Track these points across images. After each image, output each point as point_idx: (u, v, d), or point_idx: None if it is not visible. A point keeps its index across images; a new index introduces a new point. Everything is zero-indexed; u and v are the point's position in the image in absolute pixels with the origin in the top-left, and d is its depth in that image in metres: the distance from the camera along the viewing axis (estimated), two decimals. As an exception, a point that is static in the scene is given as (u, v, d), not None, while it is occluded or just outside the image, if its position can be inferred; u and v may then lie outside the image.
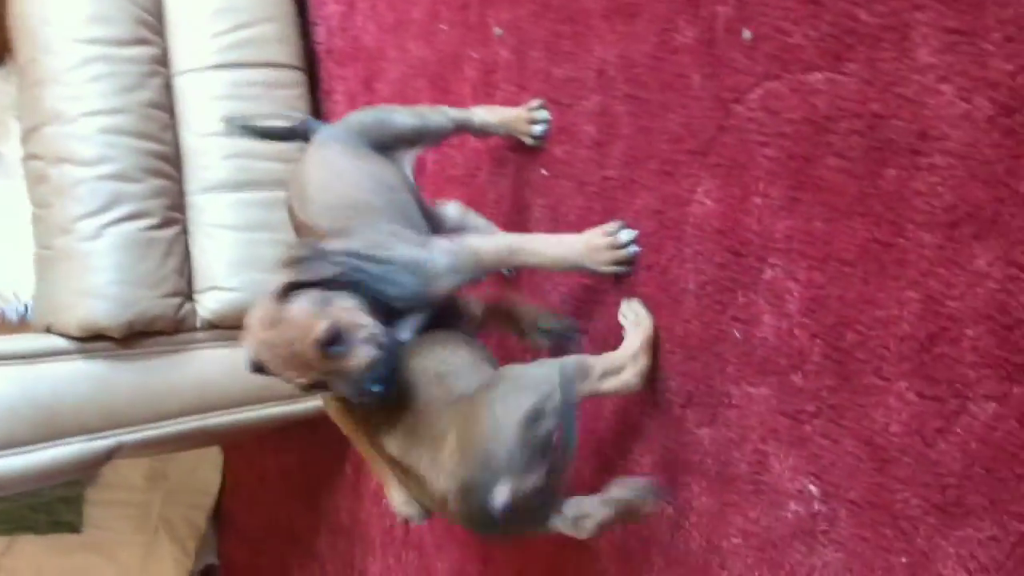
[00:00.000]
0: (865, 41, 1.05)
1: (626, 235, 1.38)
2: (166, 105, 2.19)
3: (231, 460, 3.01)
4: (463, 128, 1.56)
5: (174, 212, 2.14)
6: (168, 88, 2.20)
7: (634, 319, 1.38)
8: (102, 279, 2.02)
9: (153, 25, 2.18)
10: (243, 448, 2.91)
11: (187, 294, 2.14)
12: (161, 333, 2.09)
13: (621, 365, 1.30)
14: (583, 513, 1.23)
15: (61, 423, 1.98)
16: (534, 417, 1.18)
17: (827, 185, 1.11)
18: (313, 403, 2.25)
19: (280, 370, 1.24)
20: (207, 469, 2.95)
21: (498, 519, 1.15)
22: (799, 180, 1.15)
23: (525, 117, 1.58)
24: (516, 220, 1.66)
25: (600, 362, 1.28)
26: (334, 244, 1.28)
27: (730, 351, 1.25)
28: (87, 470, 2.07)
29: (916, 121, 1.01)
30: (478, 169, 1.77)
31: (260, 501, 2.83)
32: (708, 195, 1.28)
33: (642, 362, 1.31)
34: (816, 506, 1.15)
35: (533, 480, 1.17)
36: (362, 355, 1.19)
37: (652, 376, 1.34)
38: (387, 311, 1.25)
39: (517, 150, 1.64)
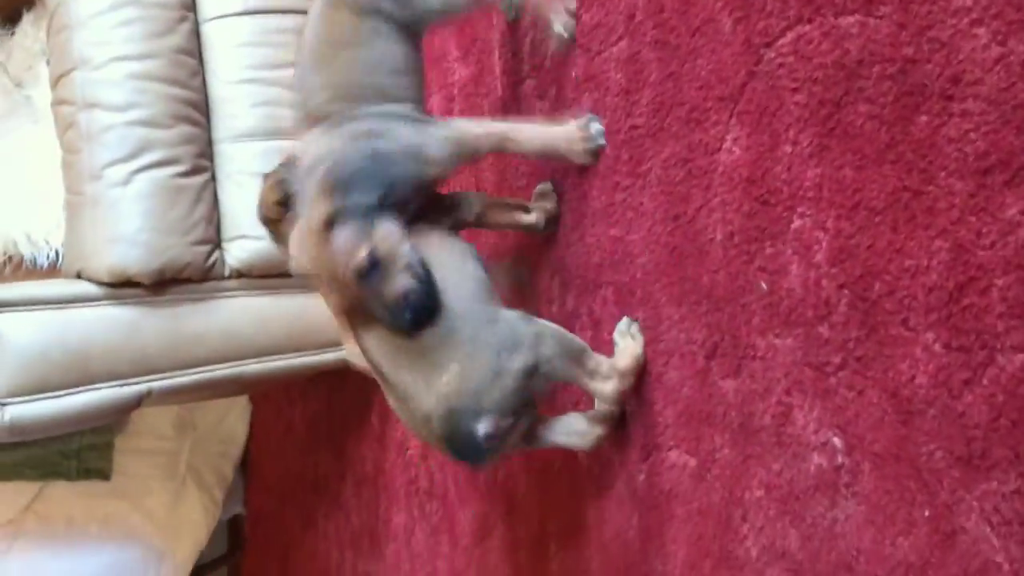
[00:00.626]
0: (899, -18, 1.04)
1: (596, 127, 1.49)
2: (194, 51, 2.20)
3: (258, 409, 3.06)
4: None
5: (203, 159, 2.16)
6: (196, 34, 2.21)
7: (627, 341, 1.44)
8: (131, 226, 2.06)
9: (181, -30, 2.19)
10: (270, 397, 2.96)
11: (216, 242, 2.17)
12: (190, 280, 2.12)
13: (610, 375, 1.40)
14: (579, 431, 1.44)
15: (91, 368, 2.03)
16: (531, 372, 1.32)
17: (857, 132, 1.10)
18: (340, 354, 2.28)
19: (323, 290, 1.38)
20: (235, 418, 3.01)
21: (479, 445, 1.30)
22: (829, 127, 1.14)
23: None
24: (541, 166, 1.66)
25: (595, 356, 1.39)
26: (329, 151, 1.35)
27: (756, 302, 1.26)
28: (117, 416, 2.12)
29: (949, 65, 1.00)
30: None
31: (286, 451, 2.89)
32: (737, 143, 1.27)
33: (628, 382, 1.41)
34: (840, 459, 1.16)
35: (516, 419, 1.33)
36: (399, 285, 1.28)
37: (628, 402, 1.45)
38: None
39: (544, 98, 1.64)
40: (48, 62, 2.28)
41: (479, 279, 1.41)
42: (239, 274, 2.19)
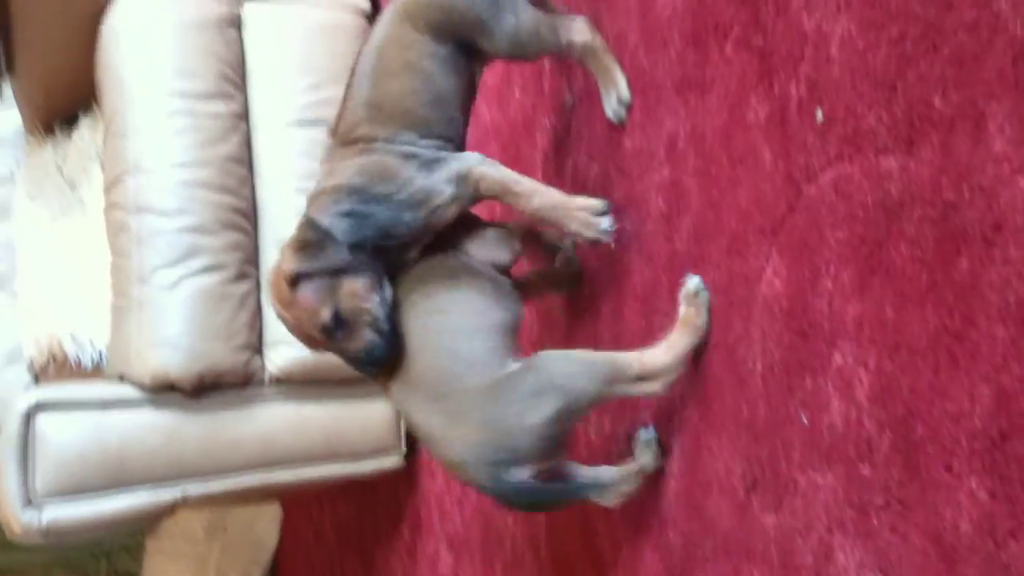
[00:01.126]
0: (939, 128, 1.07)
1: (606, 221, 1.47)
2: (245, 160, 2.28)
3: (289, 515, 3.06)
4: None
5: (248, 266, 2.22)
6: (248, 143, 2.29)
7: (690, 312, 1.39)
8: (175, 330, 2.10)
9: (235, 81, 2.28)
10: (301, 503, 2.97)
11: (257, 348, 2.21)
12: (230, 386, 2.16)
13: (657, 373, 1.37)
14: (606, 484, 1.43)
15: (129, 471, 2.06)
16: (563, 416, 1.32)
17: (898, 272, 1.12)
18: (375, 464, 2.29)
19: (294, 337, 1.45)
20: (266, 523, 3.01)
21: (523, 493, 1.32)
22: (870, 265, 1.15)
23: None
24: (583, 294, 1.68)
25: (636, 363, 1.36)
26: (334, 187, 1.42)
27: (797, 436, 1.26)
28: (151, 519, 2.14)
29: (990, 212, 1.02)
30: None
31: (315, 558, 2.88)
32: (777, 275, 1.29)
33: (677, 373, 1.38)
34: (882, 602, 1.14)
35: (549, 463, 1.33)
36: (362, 340, 1.37)
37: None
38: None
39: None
40: (102, 166, 2.37)
41: (499, 324, 1.42)
42: (278, 380, 2.23)
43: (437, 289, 1.43)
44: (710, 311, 1.40)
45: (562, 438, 1.35)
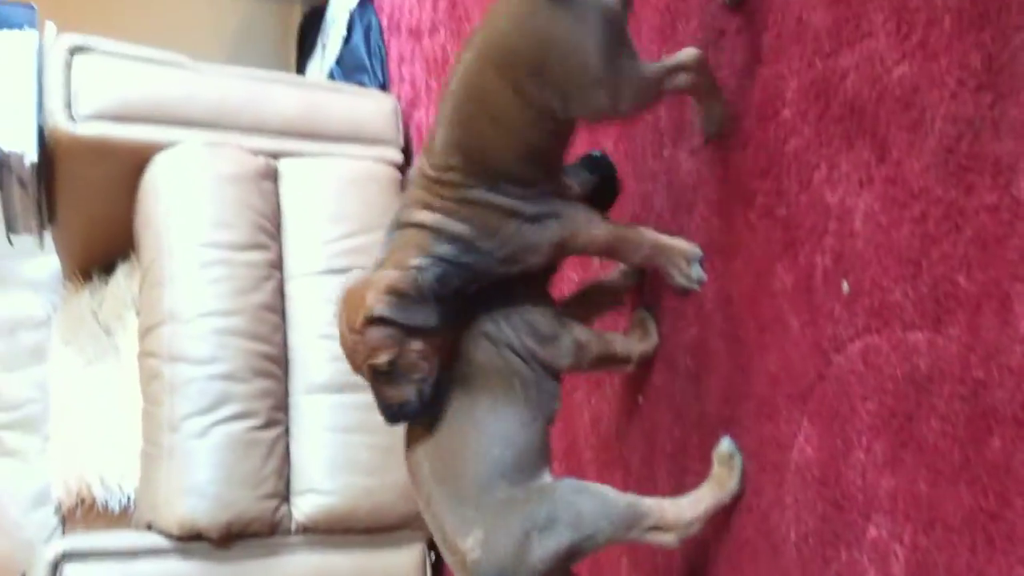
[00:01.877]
0: (965, 306, 1.08)
1: (698, 270, 1.48)
2: (277, 307, 2.33)
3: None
4: None
5: (278, 412, 2.24)
6: (280, 291, 2.34)
7: (723, 472, 1.39)
8: (203, 477, 2.12)
9: (270, 231, 2.34)
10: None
11: (284, 495, 2.21)
12: (257, 535, 2.15)
13: (677, 526, 1.35)
14: None
15: (154, 621, 2.04)
16: (568, 554, 1.31)
17: (931, 447, 1.12)
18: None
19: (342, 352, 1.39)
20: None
21: None
22: (902, 438, 1.16)
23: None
24: (613, 446, 1.69)
25: (655, 513, 1.35)
26: (435, 227, 1.37)
27: (833, 608, 1.24)
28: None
29: (1020, 392, 1.03)
30: (574, 389, 1.82)
31: None
32: (809, 442, 1.29)
33: (695, 529, 1.36)
34: None
35: None
36: (402, 394, 1.35)
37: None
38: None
39: (615, 375, 1.69)
40: (137, 312, 2.42)
41: (531, 441, 1.40)
42: (305, 529, 2.22)
43: (482, 387, 1.41)
44: (743, 475, 1.40)
45: (563, 572, 1.33)
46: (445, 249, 1.37)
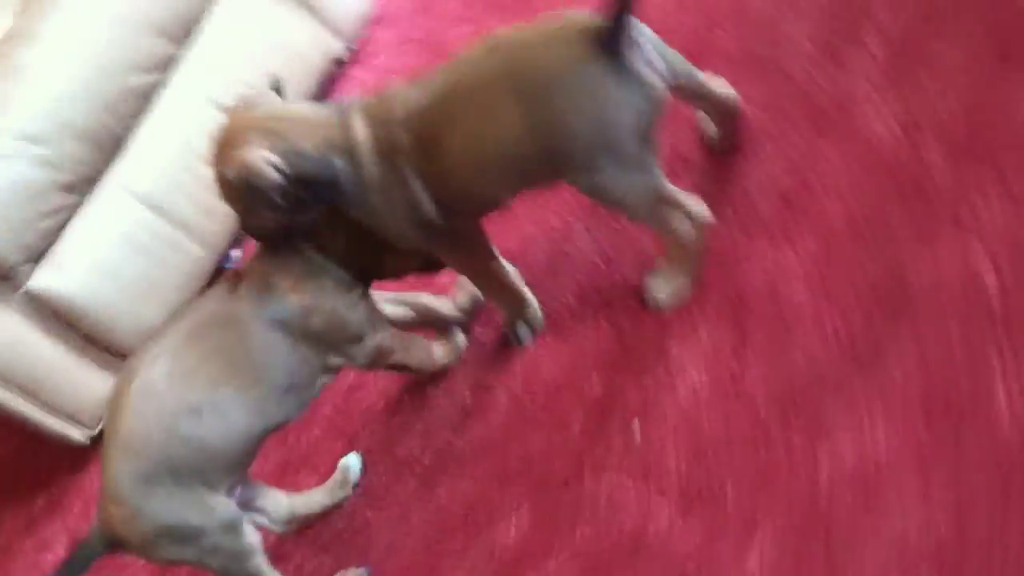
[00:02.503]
0: (716, 515, 1.21)
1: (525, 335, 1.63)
2: (145, 100, 2.24)
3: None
4: None
5: (85, 185, 2.17)
6: (158, 88, 2.27)
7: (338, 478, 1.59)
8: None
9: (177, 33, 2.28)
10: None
11: (37, 257, 2.12)
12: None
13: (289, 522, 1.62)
14: None
15: None
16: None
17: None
18: (61, 427, 2.22)
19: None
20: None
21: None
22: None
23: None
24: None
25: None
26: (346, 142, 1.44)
27: None
28: None
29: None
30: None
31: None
32: (519, 526, 1.40)
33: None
34: None
35: None
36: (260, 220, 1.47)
37: None
38: None
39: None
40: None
41: (231, 452, 1.48)
42: (33, 297, 2.14)
43: (242, 373, 1.48)
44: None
45: None
46: (343, 167, 1.43)
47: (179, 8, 2.28)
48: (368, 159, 1.43)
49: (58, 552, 2.19)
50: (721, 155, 1.55)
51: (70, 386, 2.22)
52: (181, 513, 1.44)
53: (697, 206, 1.41)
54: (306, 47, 2.50)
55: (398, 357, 1.62)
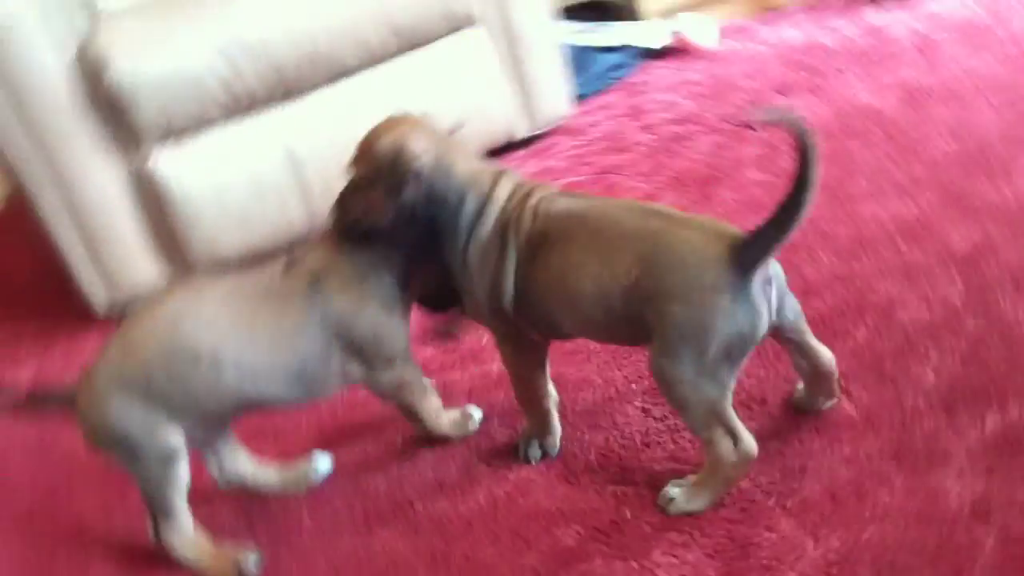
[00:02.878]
0: None
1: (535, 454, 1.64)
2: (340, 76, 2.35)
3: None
4: None
5: (247, 110, 2.25)
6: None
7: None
8: None
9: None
10: None
11: (169, 141, 2.20)
12: None
13: None
14: None
15: None
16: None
17: None
18: None
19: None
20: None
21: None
22: None
23: None
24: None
25: None
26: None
27: None
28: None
29: None
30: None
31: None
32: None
33: None
34: None
35: None
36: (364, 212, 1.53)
37: None
38: None
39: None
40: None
41: (223, 404, 1.53)
42: (144, 169, 2.22)
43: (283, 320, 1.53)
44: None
45: None
46: (470, 209, 1.49)
47: (421, 22, 2.41)
48: (491, 219, 1.50)
49: (18, 376, 2.24)
50: (796, 416, 1.57)
51: (123, 259, 2.29)
52: (131, 427, 1.49)
53: (749, 440, 1.42)
54: (497, 112, 2.60)
55: (415, 399, 1.64)
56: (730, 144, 2.51)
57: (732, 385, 1.39)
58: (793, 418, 1.57)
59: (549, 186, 1.55)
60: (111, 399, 1.48)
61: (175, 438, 1.51)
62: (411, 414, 1.67)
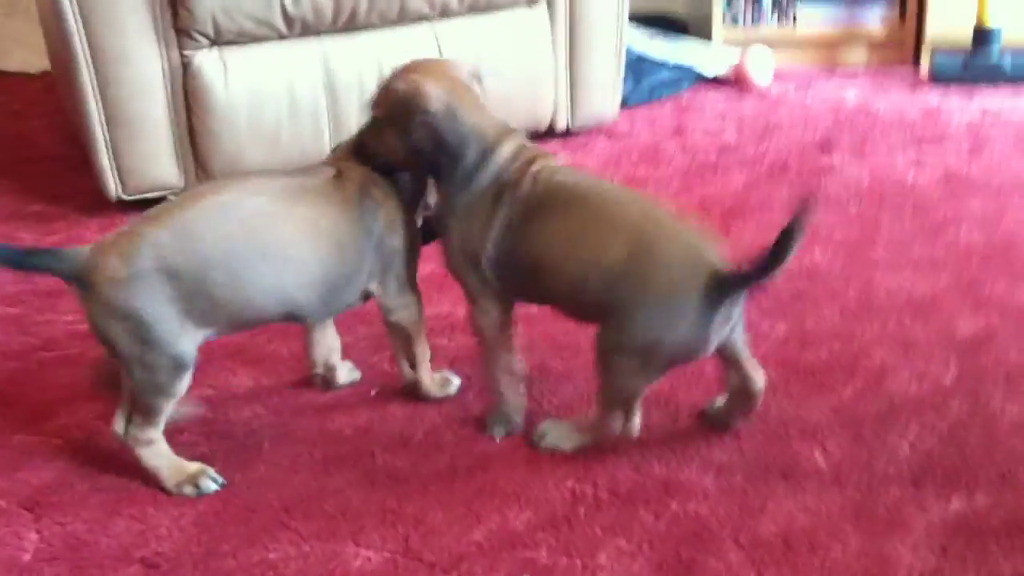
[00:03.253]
0: None
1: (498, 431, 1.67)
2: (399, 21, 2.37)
3: None
4: None
5: (300, 30, 2.27)
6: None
7: None
8: None
9: None
10: None
11: (217, 43, 2.21)
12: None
13: None
14: None
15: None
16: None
17: None
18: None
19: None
20: None
21: None
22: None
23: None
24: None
25: None
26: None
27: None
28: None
29: None
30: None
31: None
32: None
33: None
34: None
35: None
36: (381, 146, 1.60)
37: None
38: None
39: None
40: None
41: (254, 301, 1.50)
42: (186, 64, 2.22)
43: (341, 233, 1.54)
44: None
45: None
46: (470, 159, 1.54)
47: None
48: (489, 174, 1.55)
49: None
50: (766, 457, 1.58)
51: (144, 154, 2.31)
52: (157, 319, 1.42)
53: (636, 424, 1.56)
54: (543, 97, 2.63)
55: (414, 331, 1.67)
56: (763, 184, 2.53)
57: (654, 382, 1.54)
58: (762, 459, 1.58)
59: (553, 156, 1.61)
60: (146, 281, 1.40)
61: (192, 346, 1.47)
62: (406, 346, 1.68)
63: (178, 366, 1.45)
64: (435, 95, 1.52)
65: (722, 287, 1.42)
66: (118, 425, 1.52)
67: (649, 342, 1.46)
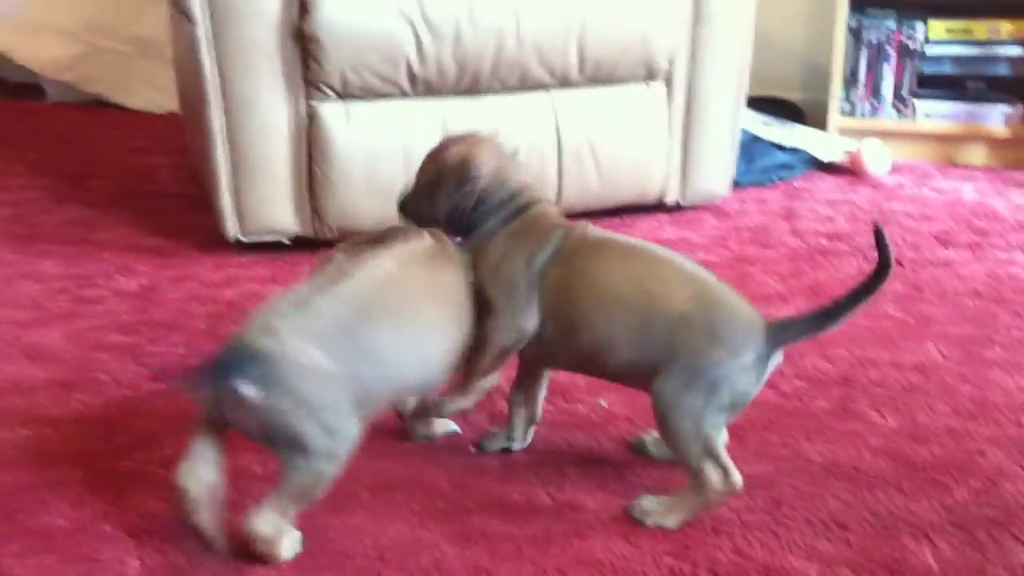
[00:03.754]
0: None
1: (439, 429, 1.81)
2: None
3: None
4: None
5: (425, 90, 2.33)
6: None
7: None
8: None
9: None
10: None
11: (343, 96, 2.29)
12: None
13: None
14: None
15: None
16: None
17: None
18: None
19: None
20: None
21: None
22: None
23: None
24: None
25: None
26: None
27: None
28: None
29: None
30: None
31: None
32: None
33: None
34: None
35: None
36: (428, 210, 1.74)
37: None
38: None
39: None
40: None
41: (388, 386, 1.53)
42: (312, 113, 2.30)
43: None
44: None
45: None
46: (507, 211, 1.67)
47: (614, 58, 2.57)
48: (523, 224, 1.67)
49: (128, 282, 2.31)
50: (873, 545, 1.55)
51: (262, 197, 2.41)
52: (324, 396, 1.38)
53: (736, 475, 1.54)
54: (654, 172, 2.67)
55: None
56: (875, 273, 2.50)
57: (724, 430, 1.58)
58: (869, 552, 1.54)
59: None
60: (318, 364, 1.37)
61: (356, 427, 1.45)
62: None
63: (350, 449, 1.45)
64: (488, 165, 1.68)
65: (780, 332, 1.53)
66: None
67: (716, 380, 1.50)
